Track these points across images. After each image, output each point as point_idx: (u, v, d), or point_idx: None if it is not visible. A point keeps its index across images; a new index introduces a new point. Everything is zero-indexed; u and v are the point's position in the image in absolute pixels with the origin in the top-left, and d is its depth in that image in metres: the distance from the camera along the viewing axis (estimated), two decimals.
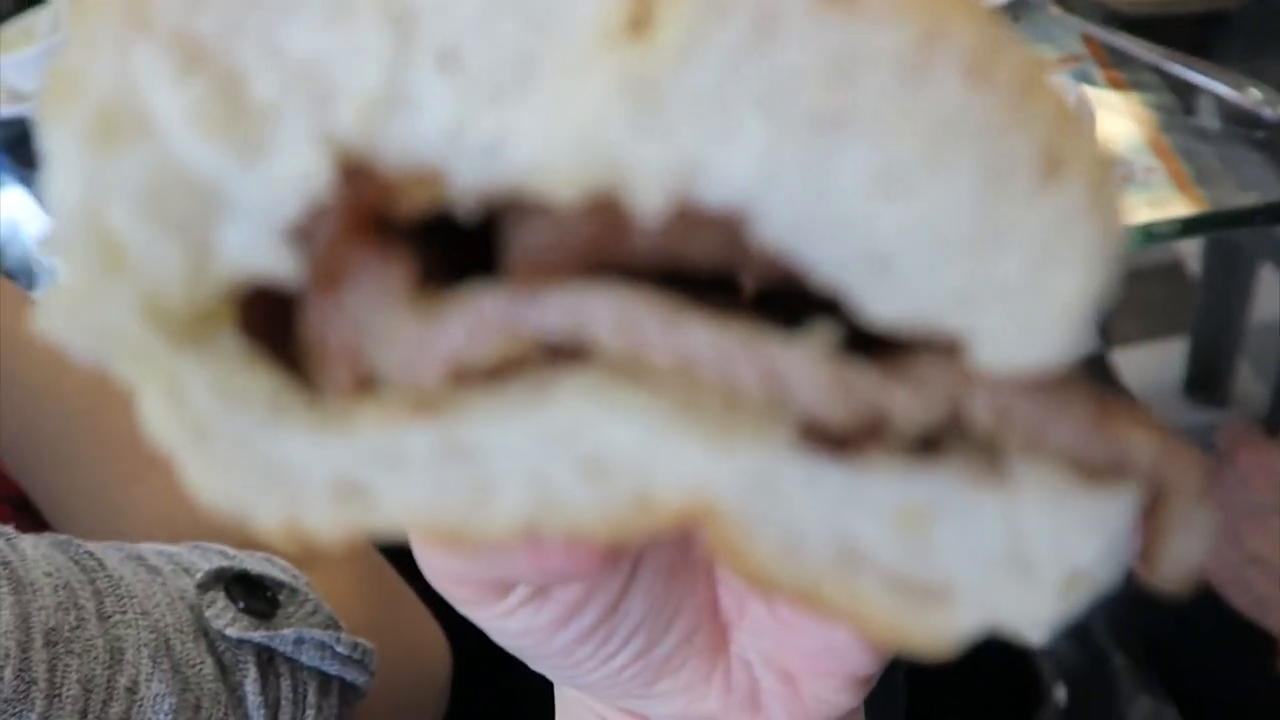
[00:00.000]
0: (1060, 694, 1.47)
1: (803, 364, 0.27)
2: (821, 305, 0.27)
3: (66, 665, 0.63)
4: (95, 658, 0.64)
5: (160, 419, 0.27)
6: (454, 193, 0.26)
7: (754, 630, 0.43)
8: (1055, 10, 1.29)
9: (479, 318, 0.27)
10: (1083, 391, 0.29)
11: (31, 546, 0.68)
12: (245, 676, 0.70)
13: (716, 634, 0.44)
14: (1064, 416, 0.28)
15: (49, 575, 0.66)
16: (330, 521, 0.28)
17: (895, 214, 0.25)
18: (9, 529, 0.70)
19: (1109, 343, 2.06)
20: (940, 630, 0.29)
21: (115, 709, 0.64)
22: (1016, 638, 0.29)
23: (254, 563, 0.75)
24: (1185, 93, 1.17)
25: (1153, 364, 2.20)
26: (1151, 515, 0.29)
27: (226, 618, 0.70)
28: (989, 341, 0.26)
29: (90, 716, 0.63)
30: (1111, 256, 0.26)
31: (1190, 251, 2.35)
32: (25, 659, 0.61)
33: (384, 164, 0.26)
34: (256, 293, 0.28)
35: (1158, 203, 1.08)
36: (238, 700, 0.69)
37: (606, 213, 0.26)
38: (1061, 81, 1.19)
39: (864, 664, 0.41)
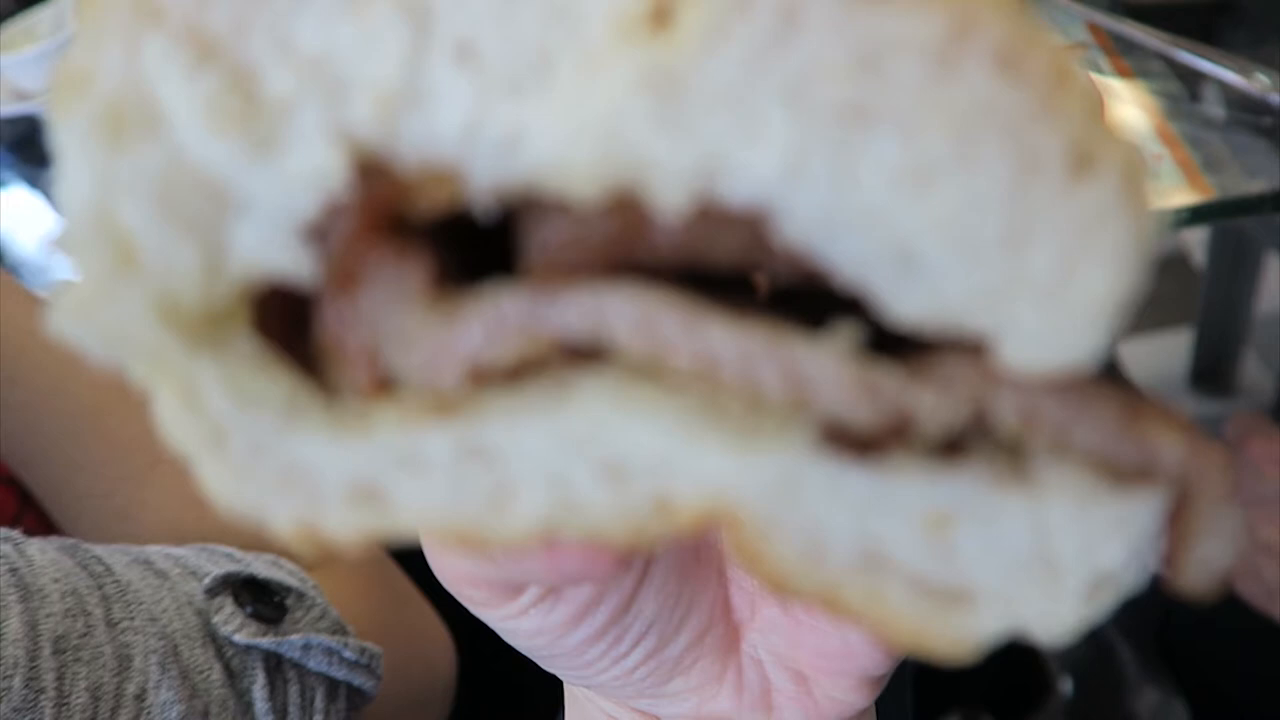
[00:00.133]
0: (1066, 685, 1.47)
1: (826, 365, 0.27)
2: (844, 304, 0.27)
3: (75, 673, 0.62)
4: (103, 665, 0.64)
5: (176, 422, 0.27)
6: (472, 190, 0.26)
7: (766, 630, 0.43)
8: None
9: (498, 318, 0.27)
10: (1109, 391, 0.28)
11: (39, 551, 0.68)
12: (253, 682, 0.70)
13: (728, 633, 0.43)
14: (1091, 417, 0.28)
15: (57, 581, 0.66)
16: (347, 525, 0.27)
17: (922, 210, 0.25)
18: (16, 533, 0.69)
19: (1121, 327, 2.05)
20: (962, 634, 0.28)
21: (124, 716, 0.64)
22: (1039, 640, 0.29)
23: (261, 566, 0.75)
24: (1192, 80, 1.17)
25: (1158, 355, 2.20)
26: (1177, 518, 0.29)
27: (234, 623, 0.70)
28: (1016, 341, 0.26)
29: None
30: (1142, 254, 0.25)
31: (1195, 241, 2.35)
32: (34, 667, 0.61)
33: (401, 161, 0.26)
34: (272, 293, 0.27)
35: (1165, 191, 1.07)
36: (246, 706, 0.69)
37: (626, 211, 0.26)
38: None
39: (876, 664, 0.41)
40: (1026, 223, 0.25)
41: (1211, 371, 2.16)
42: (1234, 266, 2.06)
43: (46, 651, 0.62)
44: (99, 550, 0.71)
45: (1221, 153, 1.11)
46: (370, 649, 0.75)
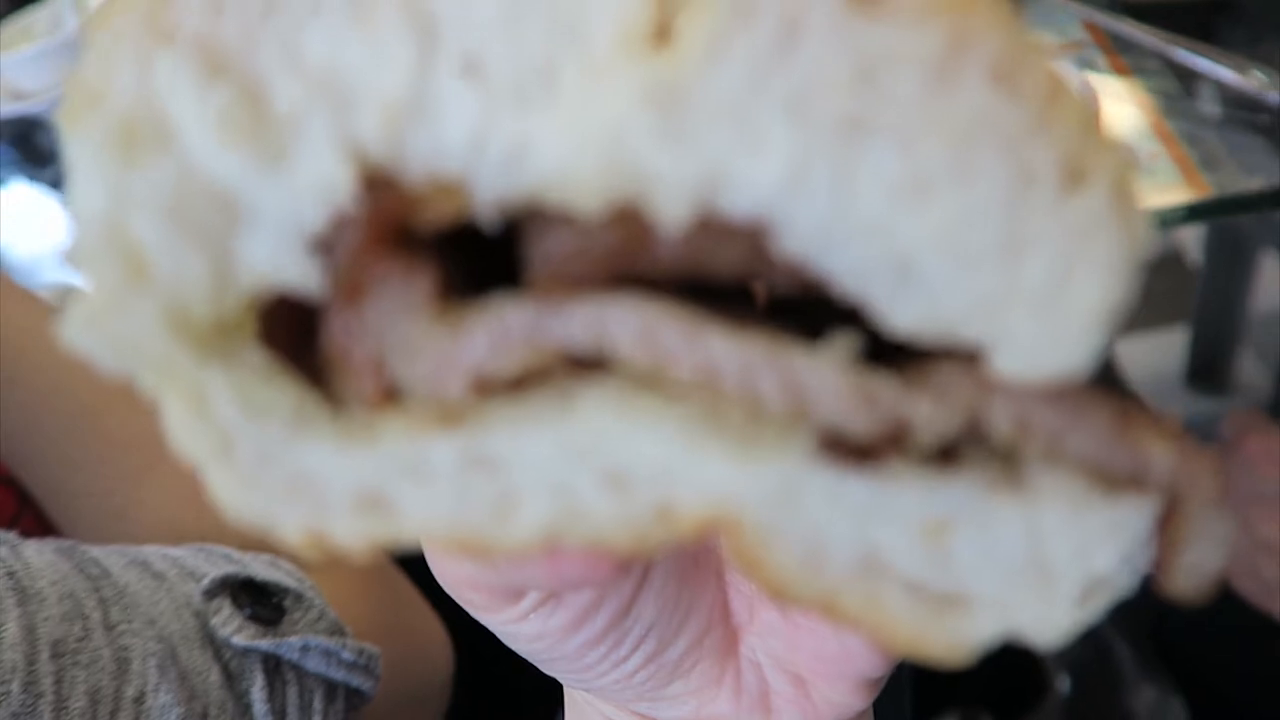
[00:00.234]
0: (1064, 684, 1.48)
1: (825, 375, 0.27)
2: (843, 313, 0.27)
3: (73, 677, 0.62)
4: (102, 669, 0.63)
5: (185, 431, 0.27)
6: (477, 203, 0.26)
7: (765, 633, 0.43)
8: None
9: (502, 329, 0.27)
10: (1102, 400, 0.29)
11: (36, 554, 0.67)
12: (252, 684, 0.69)
13: (727, 637, 0.44)
14: (1084, 425, 0.28)
15: (54, 584, 0.65)
16: (354, 533, 0.28)
17: (919, 221, 0.25)
18: (12, 536, 0.69)
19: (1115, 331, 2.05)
20: (959, 638, 0.29)
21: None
22: (1033, 644, 0.29)
23: (260, 568, 0.74)
24: (1189, 78, 1.17)
25: (1155, 353, 2.20)
26: (1168, 524, 0.29)
27: (233, 625, 0.70)
28: (1010, 350, 0.26)
29: None
30: (1134, 265, 0.25)
31: (1190, 240, 2.35)
32: (32, 672, 0.60)
33: (407, 173, 0.26)
34: (280, 304, 0.28)
35: (1162, 189, 1.08)
36: (244, 708, 0.69)
37: (629, 222, 0.26)
38: (1064, 70, 1.18)
39: (874, 666, 0.41)
40: (1021, 234, 0.25)
41: (1208, 369, 2.16)
42: (1230, 264, 2.06)
43: (45, 655, 0.61)
44: (96, 552, 0.71)
45: (1218, 150, 1.11)
46: (368, 650, 0.74)
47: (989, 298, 0.26)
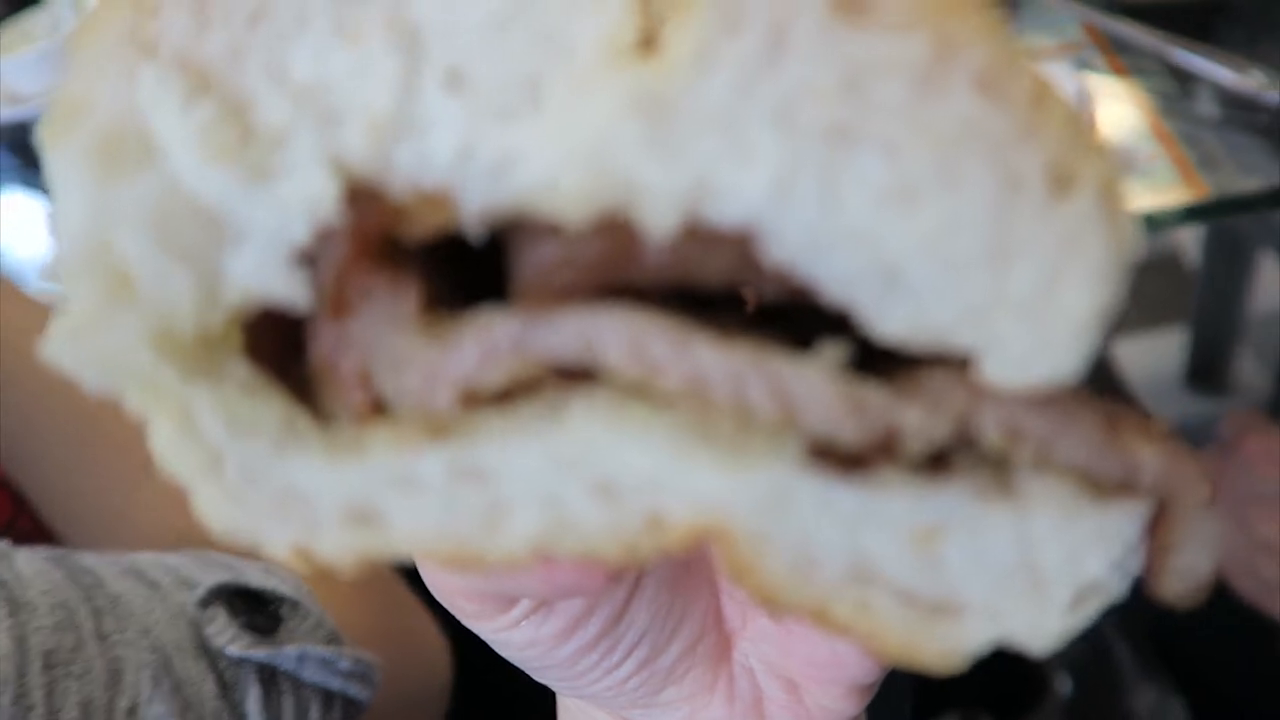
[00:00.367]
0: (1064, 684, 1.48)
1: (814, 384, 0.27)
2: (832, 320, 0.27)
3: (65, 688, 0.61)
4: (94, 680, 0.63)
5: (171, 448, 0.27)
6: (463, 214, 0.26)
7: (757, 639, 0.43)
8: None
9: (490, 341, 0.27)
10: (1091, 405, 0.29)
11: (27, 563, 0.67)
12: (247, 695, 0.69)
13: (720, 643, 0.44)
14: (1073, 431, 0.28)
15: (45, 593, 0.64)
16: (343, 546, 0.28)
17: (906, 228, 0.25)
18: (4, 544, 0.68)
19: (1108, 331, 2.05)
20: (950, 645, 0.29)
21: None
22: (1025, 650, 0.29)
23: (256, 575, 0.73)
24: (1187, 79, 1.17)
25: (1154, 354, 2.20)
26: (1158, 527, 0.29)
27: (227, 635, 0.69)
28: (999, 357, 0.26)
29: None
30: (1121, 270, 0.25)
31: (1188, 241, 2.35)
32: (23, 683, 0.60)
33: (393, 186, 0.26)
34: (266, 319, 0.28)
35: (1160, 189, 1.08)
36: (240, 718, 0.68)
37: (616, 232, 0.26)
38: (1062, 71, 1.18)
39: (866, 672, 0.41)
40: (1008, 241, 0.25)
41: (1207, 370, 2.16)
42: (1229, 265, 2.06)
43: (36, 667, 0.61)
44: (89, 560, 0.70)
45: (1217, 151, 1.11)
46: (365, 659, 0.74)
47: (977, 304, 0.26)
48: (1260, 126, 1.12)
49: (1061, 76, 1.16)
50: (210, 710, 0.67)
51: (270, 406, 0.28)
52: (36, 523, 0.88)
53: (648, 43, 0.25)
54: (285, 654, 0.70)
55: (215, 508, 0.28)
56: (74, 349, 0.26)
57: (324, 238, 0.26)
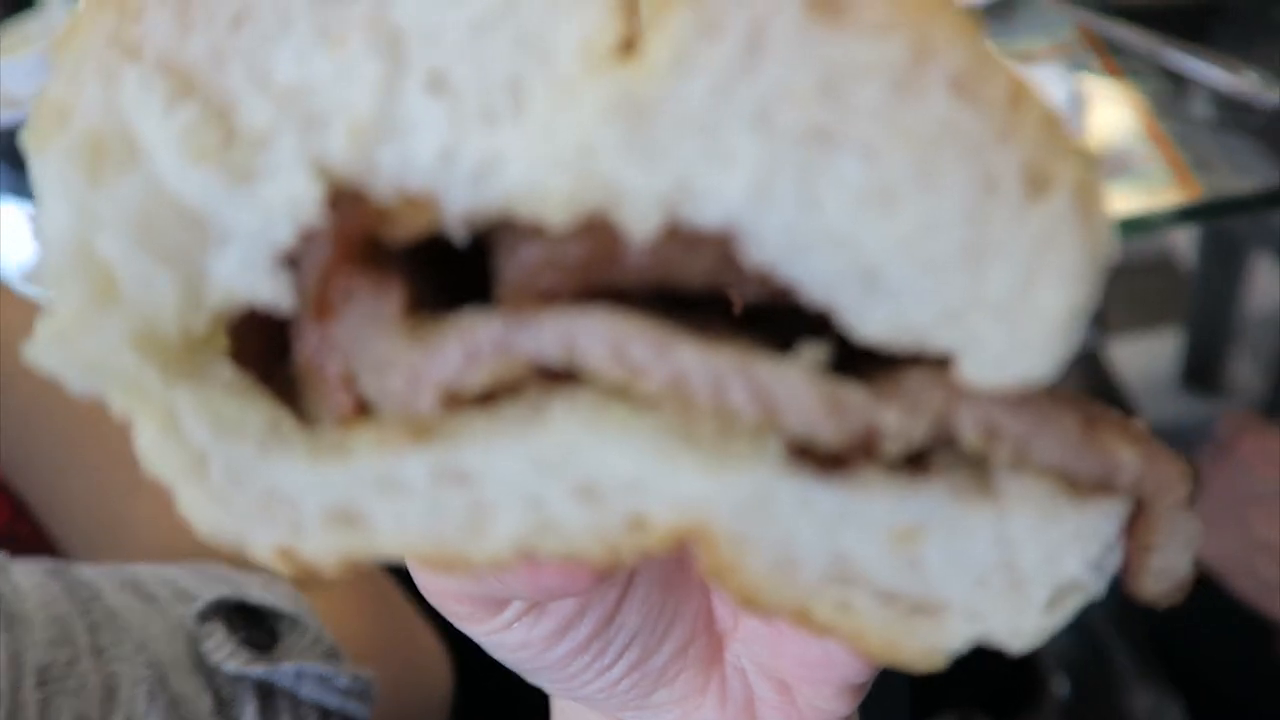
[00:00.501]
0: (1062, 685, 1.48)
1: (794, 385, 0.27)
2: (812, 321, 0.27)
3: (59, 705, 0.60)
4: (89, 696, 0.62)
5: (156, 450, 0.28)
6: (446, 217, 0.26)
7: (749, 640, 0.43)
8: None
9: (473, 343, 0.27)
10: (1069, 405, 0.29)
11: (24, 576, 0.66)
12: (244, 712, 0.68)
13: (712, 644, 0.44)
14: (1051, 431, 0.28)
15: (42, 607, 0.64)
16: (327, 548, 0.28)
17: (885, 230, 0.25)
18: (1, 557, 0.67)
19: (1103, 332, 2.06)
20: (931, 644, 0.29)
21: None
22: (1005, 649, 0.30)
23: (255, 590, 0.73)
24: (1181, 80, 1.17)
25: (1148, 355, 2.20)
26: (1136, 527, 0.29)
27: (225, 650, 0.68)
28: (976, 357, 0.26)
29: None
30: (1098, 270, 0.26)
31: (1182, 242, 2.35)
32: (16, 700, 0.59)
33: (376, 189, 0.26)
34: (249, 322, 0.28)
35: (1155, 191, 1.08)
36: None
37: (598, 234, 0.26)
38: (1056, 73, 1.18)
39: (858, 672, 0.41)
40: (985, 242, 0.25)
41: (1202, 371, 2.16)
42: (1224, 266, 2.06)
43: (30, 683, 0.60)
44: (88, 573, 0.69)
45: (1211, 152, 1.11)
46: (364, 676, 0.73)
47: (955, 305, 0.26)
48: (1254, 128, 1.12)
49: (1055, 78, 1.16)
50: None
51: (254, 408, 0.28)
52: (35, 528, 0.88)
53: (628, 46, 0.25)
54: (283, 671, 0.69)
55: (199, 509, 0.28)
56: (58, 351, 0.27)
57: (307, 240, 0.26)
